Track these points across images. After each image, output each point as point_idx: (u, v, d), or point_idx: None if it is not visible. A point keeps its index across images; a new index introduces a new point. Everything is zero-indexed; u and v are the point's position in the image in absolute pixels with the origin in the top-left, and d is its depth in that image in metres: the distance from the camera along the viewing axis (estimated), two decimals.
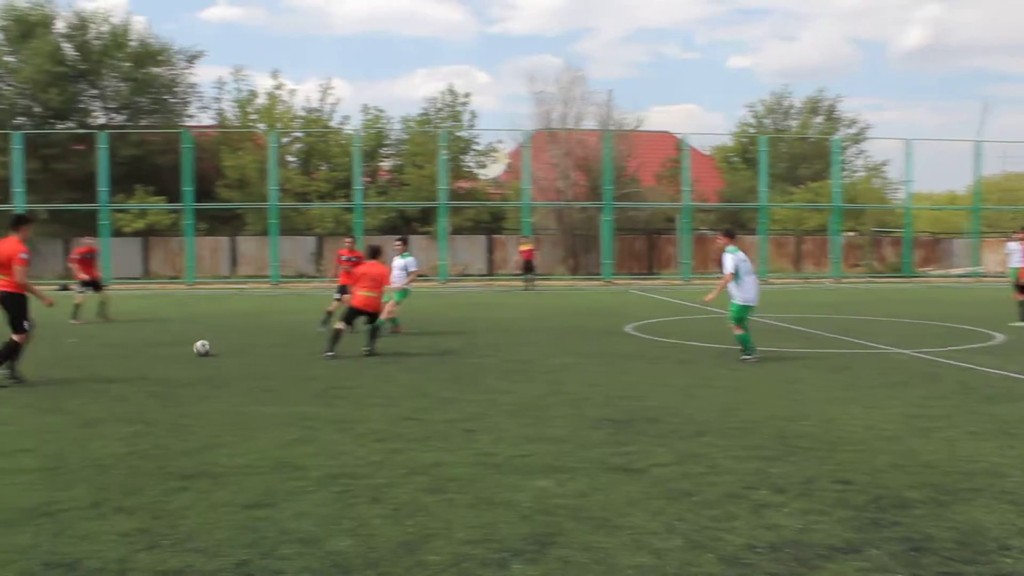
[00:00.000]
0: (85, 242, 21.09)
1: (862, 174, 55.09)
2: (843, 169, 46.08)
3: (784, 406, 9.29)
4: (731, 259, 12.66)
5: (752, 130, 56.30)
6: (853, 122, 57.39)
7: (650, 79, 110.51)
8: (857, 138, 56.24)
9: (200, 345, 13.27)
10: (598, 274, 39.66)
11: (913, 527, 5.39)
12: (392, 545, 5.08)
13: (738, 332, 12.78)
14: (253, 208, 40.99)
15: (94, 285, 19.89)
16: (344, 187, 42.05)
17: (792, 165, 53.05)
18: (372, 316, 13.69)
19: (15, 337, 10.71)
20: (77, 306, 19.41)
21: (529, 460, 6.99)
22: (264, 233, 39.33)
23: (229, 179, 43.13)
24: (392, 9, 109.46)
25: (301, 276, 40.44)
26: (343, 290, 16.80)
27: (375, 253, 14.20)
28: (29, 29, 42.19)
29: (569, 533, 5.28)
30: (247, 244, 42.07)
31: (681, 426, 8.27)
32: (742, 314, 12.84)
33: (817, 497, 5.98)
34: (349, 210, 40.29)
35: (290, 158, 45.31)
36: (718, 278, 13.38)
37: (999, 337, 15.77)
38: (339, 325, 13.67)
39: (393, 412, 8.99)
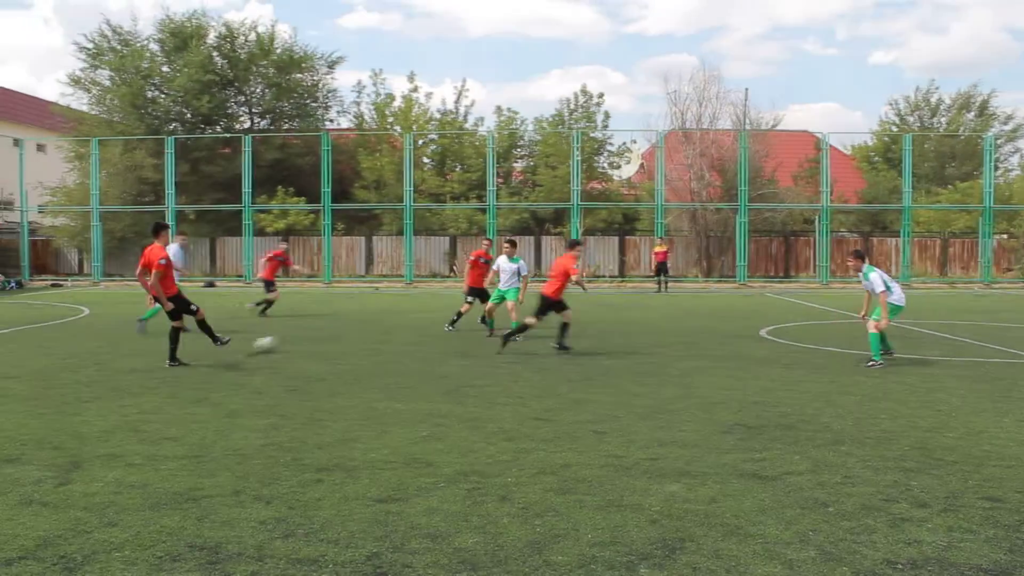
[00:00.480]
0: (281, 247, 22.73)
1: (1017, 172, 52.32)
2: (996, 168, 43.89)
3: (927, 416, 8.90)
4: (878, 276, 12.70)
5: (895, 128, 54.20)
6: (1009, 118, 54.47)
7: (788, 77, 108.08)
8: (1012, 135, 53.40)
9: (266, 341, 13.52)
10: (732, 276, 38.96)
11: None
12: (520, 544, 5.09)
13: (874, 331, 12.53)
14: (389, 208, 41.92)
15: (268, 285, 21.32)
16: (477, 188, 42.54)
17: (939, 165, 50.82)
18: (559, 307, 14.19)
19: (195, 318, 12.62)
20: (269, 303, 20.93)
21: (659, 464, 6.91)
22: (399, 233, 40.18)
23: (366, 180, 44.22)
24: (526, 11, 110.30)
25: (435, 275, 41.12)
26: (474, 292, 17.05)
27: (573, 245, 15.10)
28: (184, 41, 44.26)
29: (698, 539, 5.19)
30: (383, 243, 43.06)
31: (816, 433, 8.03)
32: (894, 315, 12.86)
33: (962, 514, 5.70)
34: (482, 211, 40.73)
35: (425, 159, 46.12)
36: (857, 282, 13.21)
37: None
38: (530, 320, 14.17)
39: (523, 412, 9.03)
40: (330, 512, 5.66)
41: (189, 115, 45.38)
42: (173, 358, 12.44)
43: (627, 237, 43.15)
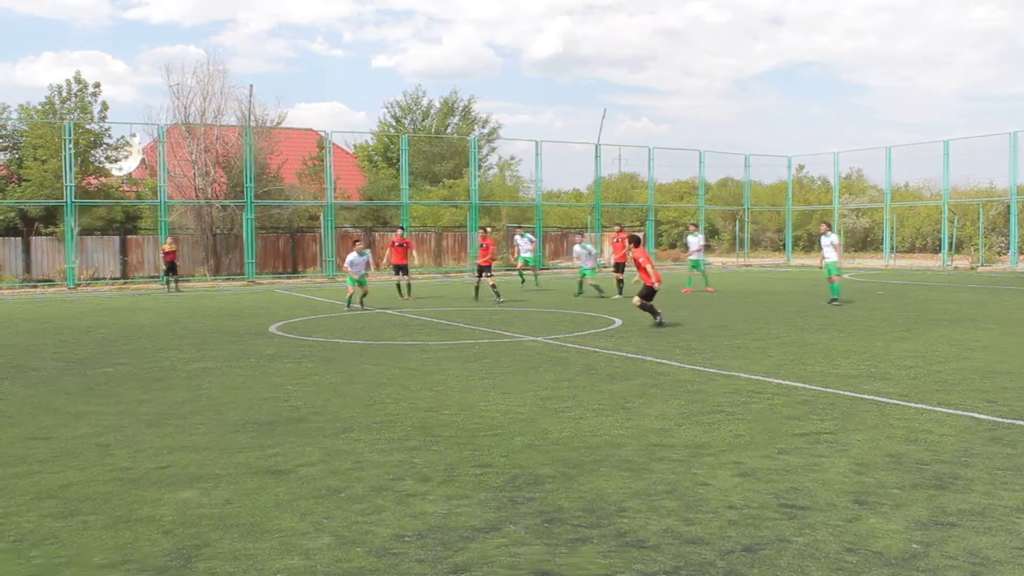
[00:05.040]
0: (399, 233, 26.81)
1: (495, 172, 58.11)
2: (479, 167, 48.25)
3: (427, 397, 9.62)
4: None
5: (393, 129, 57.40)
6: (486, 122, 60.38)
7: (295, 75, 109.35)
8: (491, 137, 59.19)
9: None
10: (241, 274, 38.59)
11: (546, 501, 5.82)
12: None
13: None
14: None
15: (402, 269, 25.23)
16: None
17: (430, 163, 54.77)
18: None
19: None
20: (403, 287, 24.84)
21: (170, 471, 6.71)
22: None
23: None
24: None
25: None
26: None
27: (637, 241, 17.31)
28: None
29: (215, 543, 5.14)
30: None
31: (327, 423, 8.31)
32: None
33: (459, 482, 6.28)
34: None
35: None
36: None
37: (617, 322, 17.33)
38: (636, 301, 16.78)
39: (15, 432, 8.22)
40: None
41: None
42: None
43: (129, 236, 40.84)
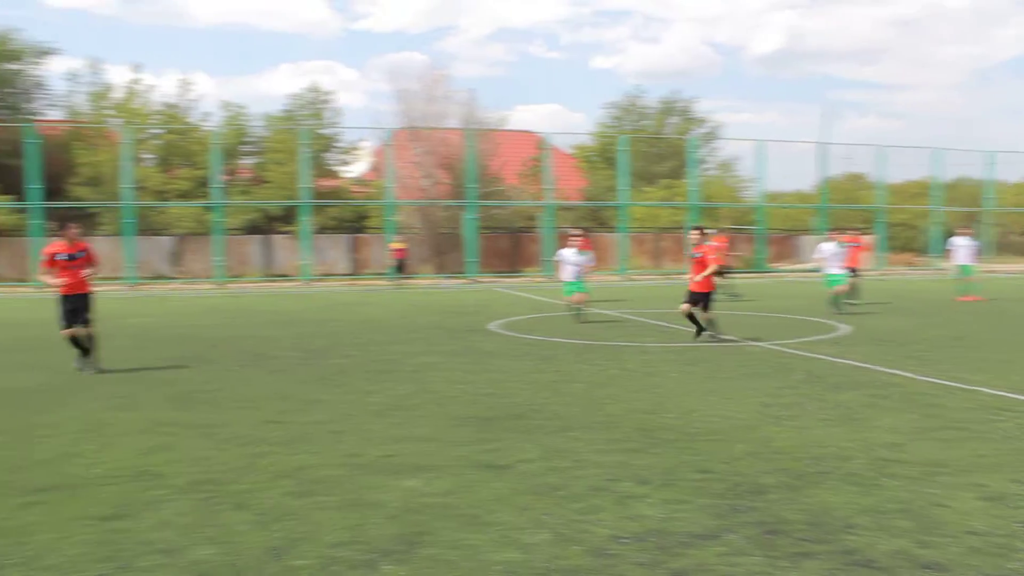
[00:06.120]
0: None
1: (715, 172, 56.99)
2: (697, 167, 47.51)
3: (646, 399, 9.54)
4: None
5: (611, 130, 57.44)
6: (706, 122, 59.36)
7: (514, 78, 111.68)
8: (710, 137, 58.16)
9: None
10: (463, 272, 39.75)
11: (768, 511, 5.63)
12: (258, 552, 4.99)
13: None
14: (107, 207, 39.36)
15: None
16: (206, 185, 40.87)
17: (648, 164, 54.41)
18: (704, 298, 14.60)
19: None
20: None
21: (396, 460, 6.97)
22: (119, 233, 37.83)
23: (83, 177, 41.27)
24: (253, 2, 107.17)
25: (159, 277, 39.08)
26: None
27: (703, 231, 15.36)
28: None
29: (437, 532, 5.30)
30: (100, 244, 40.31)
31: (546, 421, 8.40)
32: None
33: (678, 487, 6.17)
34: (209, 209, 39.16)
35: (147, 155, 43.68)
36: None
37: (843, 328, 16.58)
38: (684, 307, 14.76)
39: (256, 415, 8.81)
40: (48, 536, 5.27)
41: None
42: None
43: (359, 235, 42.98)
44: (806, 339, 15.00)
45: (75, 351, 11.90)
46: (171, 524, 5.45)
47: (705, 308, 14.59)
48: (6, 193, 38.66)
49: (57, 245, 11.91)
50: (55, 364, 12.44)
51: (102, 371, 11.74)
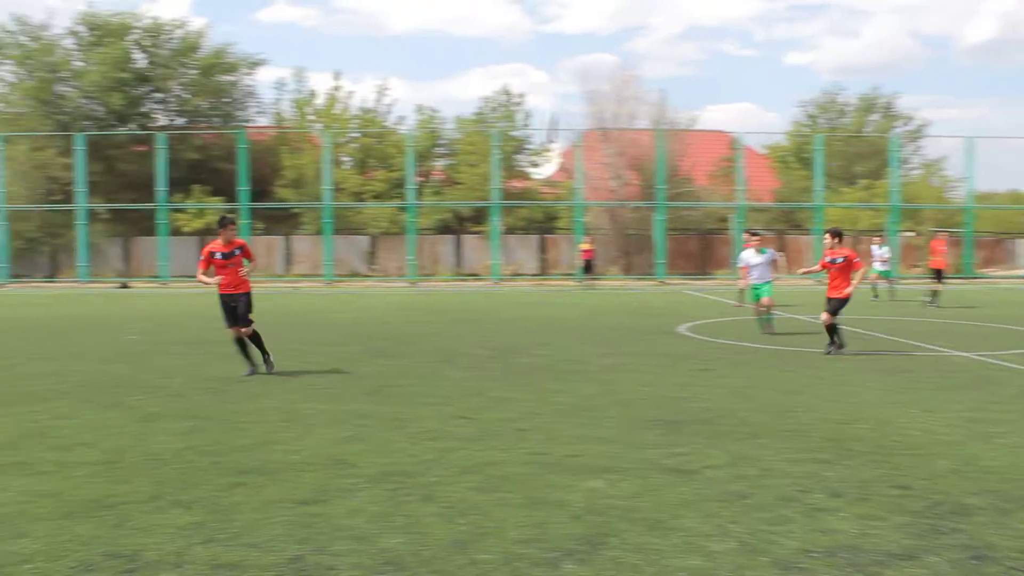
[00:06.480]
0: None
1: (919, 172, 54.08)
2: (900, 167, 45.29)
3: (839, 409, 9.15)
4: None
5: (806, 129, 55.51)
6: (909, 119, 56.37)
7: (705, 77, 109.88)
8: (914, 135, 55.21)
9: None
10: (651, 274, 39.44)
11: (974, 534, 5.28)
12: (444, 543, 5.10)
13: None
14: (308, 207, 41.45)
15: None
16: (400, 187, 42.38)
17: (846, 163, 52.23)
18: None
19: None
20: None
21: (581, 460, 6.97)
22: (319, 232, 39.76)
23: (286, 179, 43.66)
24: (446, 9, 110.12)
25: (355, 275, 40.77)
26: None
27: (840, 235, 13.91)
28: (103, 36, 43.23)
29: (621, 534, 5.26)
30: (302, 243, 42.53)
31: (734, 428, 8.19)
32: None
33: (874, 502, 5.88)
34: (403, 209, 40.55)
35: (345, 158, 45.70)
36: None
37: None
38: (826, 317, 13.46)
39: (445, 411, 9.03)
40: (251, 516, 5.58)
41: (101, 112, 44.23)
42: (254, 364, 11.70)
43: (547, 235, 43.39)
44: (1020, 351, 14.00)
45: (241, 356, 11.67)
46: (362, 512, 5.65)
47: (834, 314, 13.52)
48: (218, 195, 41.37)
49: (214, 244, 11.74)
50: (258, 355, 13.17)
51: (273, 372, 11.57)
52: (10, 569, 4.75)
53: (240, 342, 11.63)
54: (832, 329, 13.48)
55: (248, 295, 11.66)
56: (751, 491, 6.12)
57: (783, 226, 45.81)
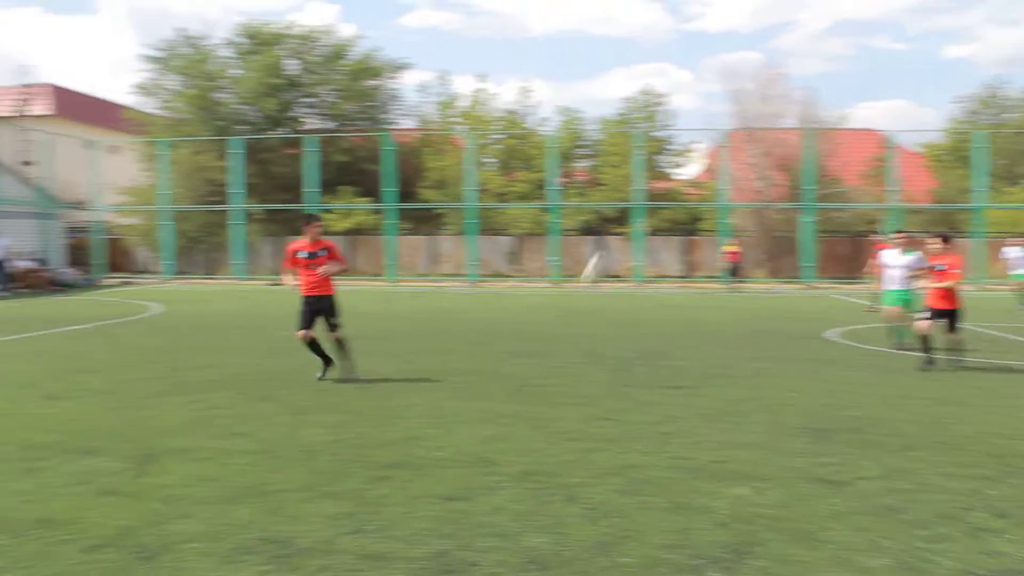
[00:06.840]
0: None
1: None
2: None
3: (1002, 423, 8.67)
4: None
5: (965, 125, 52.87)
6: None
7: (855, 73, 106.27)
8: None
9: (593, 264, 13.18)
10: (798, 277, 38.39)
11: None
12: (586, 545, 5.09)
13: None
14: (452, 208, 42.15)
15: None
16: (543, 188, 42.61)
17: (1010, 162, 49.48)
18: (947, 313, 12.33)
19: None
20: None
21: (726, 466, 6.85)
22: (462, 232, 40.37)
23: (430, 180, 44.53)
24: (587, 9, 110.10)
25: (498, 275, 41.20)
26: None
27: (947, 239, 12.76)
28: (259, 45, 45.24)
29: (767, 543, 5.13)
30: (446, 243, 43.27)
31: (887, 438, 7.88)
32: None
33: None
34: (546, 210, 40.74)
35: (489, 159, 46.27)
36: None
37: None
38: (923, 324, 12.40)
39: (588, 412, 9.01)
40: (397, 509, 5.71)
41: (256, 117, 46.15)
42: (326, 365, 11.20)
43: (692, 237, 42.80)
44: None
45: (315, 358, 11.22)
46: (506, 510, 5.70)
47: (952, 328, 12.31)
48: (365, 196, 42.54)
49: (299, 242, 11.08)
50: (405, 353, 13.48)
51: (354, 379, 10.96)
52: (178, 547, 5.02)
53: (313, 344, 11.06)
54: (925, 339, 12.32)
55: (332, 298, 11.02)
56: (906, 506, 5.87)
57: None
